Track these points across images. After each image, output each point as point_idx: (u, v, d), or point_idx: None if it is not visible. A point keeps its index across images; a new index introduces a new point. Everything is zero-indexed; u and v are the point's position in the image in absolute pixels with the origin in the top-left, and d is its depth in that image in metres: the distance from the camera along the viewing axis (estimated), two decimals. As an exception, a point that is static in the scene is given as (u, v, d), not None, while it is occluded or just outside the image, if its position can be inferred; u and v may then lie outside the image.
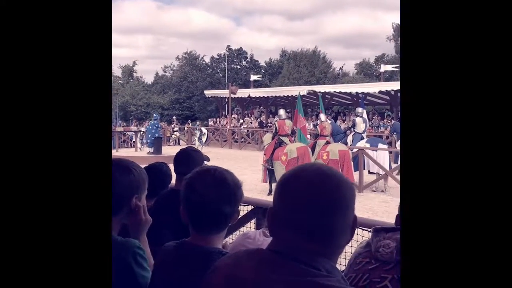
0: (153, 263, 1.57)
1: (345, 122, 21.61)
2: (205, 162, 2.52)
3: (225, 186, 1.38)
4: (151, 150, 17.84)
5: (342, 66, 48.67)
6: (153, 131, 18.68)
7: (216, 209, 1.36)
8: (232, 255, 1.15)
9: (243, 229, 3.84)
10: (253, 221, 3.98)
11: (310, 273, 0.96)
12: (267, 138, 11.75)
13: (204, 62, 49.06)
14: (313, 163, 1.18)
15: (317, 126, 12.11)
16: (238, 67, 49.28)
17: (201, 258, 1.35)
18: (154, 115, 21.07)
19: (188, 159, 2.46)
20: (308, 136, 14.45)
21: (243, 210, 4.12)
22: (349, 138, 14.08)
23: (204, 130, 24.34)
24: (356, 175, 10.84)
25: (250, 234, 2.31)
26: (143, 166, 2.95)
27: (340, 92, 23.16)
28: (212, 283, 1.09)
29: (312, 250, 0.99)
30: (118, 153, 17.58)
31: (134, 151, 20.53)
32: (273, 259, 1.01)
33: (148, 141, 18.75)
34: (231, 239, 3.67)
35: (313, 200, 0.99)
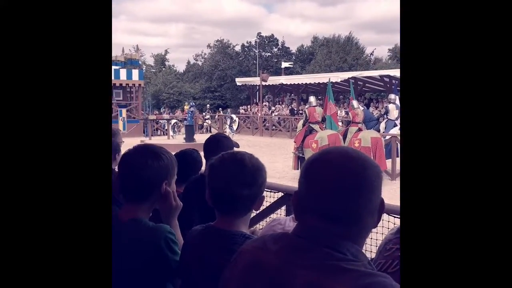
0: None
1: (378, 109, 21.23)
2: (235, 149, 2.52)
3: (242, 168, 1.38)
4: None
5: (373, 51, 47.80)
6: (188, 119, 19.06)
7: (233, 191, 1.37)
8: (258, 239, 1.15)
9: (274, 216, 3.84)
10: (284, 207, 3.97)
11: (335, 257, 0.94)
12: (300, 125, 11.69)
13: (235, 50, 49.06)
14: (338, 146, 1.15)
15: (349, 113, 11.97)
16: (269, 54, 49.03)
17: (224, 241, 1.36)
18: (191, 103, 21.42)
19: (217, 145, 2.46)
20: (340, 123, 14.30)
21: (274, 197, 4.13)
22: (382, 125, 13.86)
23: (234, 117, 24.46)
24: (388, 162, 10.68)
25: (280, 220, 2.30)
26: (174, 153, 2.99)
27: (372, 78, 22.76)
28: (236, 266, 1.10)
29: (337, 233, 0.97)
30: (151, 140, 17.86)
31: (166, 138, 20.83)
32: (297, 243, 1.00)
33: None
34: (261, 225, 3.68)
35: (337, 183, 0.97)
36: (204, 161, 2.60)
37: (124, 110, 22.04)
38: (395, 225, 1.54)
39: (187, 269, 1.45)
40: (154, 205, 1.64)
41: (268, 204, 3.97)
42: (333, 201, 0.97)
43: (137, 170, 1.57)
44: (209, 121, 26.66)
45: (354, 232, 0.99)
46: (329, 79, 13.36)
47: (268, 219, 3.73)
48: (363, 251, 1.02)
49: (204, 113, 28.00)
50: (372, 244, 2.85)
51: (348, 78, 21.45)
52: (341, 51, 41.47)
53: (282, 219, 2.03)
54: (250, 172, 1.39)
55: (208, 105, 31.79)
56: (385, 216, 2.61)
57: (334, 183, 0.97)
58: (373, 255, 1.58)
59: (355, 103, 11.66)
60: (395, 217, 2.55)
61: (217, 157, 1.46)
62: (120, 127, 20.19)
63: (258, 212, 3.75)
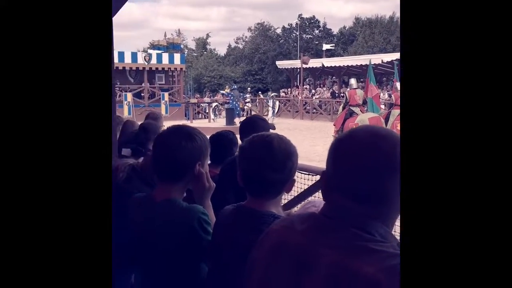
0: None
1: (423, 91, 20.54)
2: (271, 131, 2.50)
3: (271, 152, 1.36)
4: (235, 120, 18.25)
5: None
6: (230, 102, 19.21)
7: (262, 175, 1.36)
8: (285, 218, 1.14)
9: (311, 199, 3.81)
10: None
11: (362, 237, 0.91)
12: (341, 109, 11.54)
13: (276, 33, 48.70)
14: (368, 125, 1.12)
15: (392, 96, 11.69)
16: (310, 36, 48.41)
17: (254, 221, 1.36)
18: (233, 86, 21.54)
19: (253, 126, 2.46)
20: (382, 106, 14.00)
21: (312, 180, 4.10)
22: (426, 108, 13.45)
23: (276, 101, 24.47)
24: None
25: (315, 202, 2.28)
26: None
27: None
28: (263, 245, 1.09)
29: (365, 214, 0.94)
30: (192, 124, 18.13)
31: (207, 122, 21.08)
32: (324, 223, 0.98)
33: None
34: (298, 208, 3.67)
35: (366, 161, 0.93)
36: (240, 143, 2.60)
37: (166, 94, 22.40)
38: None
39: (217, 249, 1.47)
40: (187, 185, 1.65)
41: (306, 187, 3.95)
42: (362, 180, 0.94)
43: (171, 150, 1.58)
44: (249, 105, 26.75)
45: (383, 213, 0.95)
46: (370, 60, 13.04)
47: (305, 202, 3.71)
48: (393, 233, 0.98)
49: (244, 96, 28.10)
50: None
51: (392, 60, 20.88)
52: (385, 31, 40.40)
53: (317, 202, 2.01)
54: (279, 157, 1.37)
55: (249, 88, 31.86)
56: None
57: (363, 161, 0.94)
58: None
59: (398, 85, 11.37)
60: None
61: (248, 139, 1.46)
62: (163, 110, 20.56)
63: (295, 195, 3.75)
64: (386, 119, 10.59)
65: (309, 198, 3.78)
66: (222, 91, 23.19)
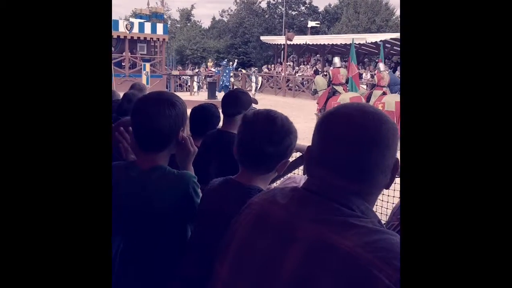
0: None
1: (405, 73, 20.67)
2: (253, 105, 2.49)
3: (272, 126, 1.38)
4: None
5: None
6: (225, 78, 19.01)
7: (259, 147, 1.37)
8: (267, 192, 1.14)
9: (291, 175, 3.84)
10: (301, 167, 3.97)
11: (343, 212, 0.92)
12: (319, 80, 11.53)
13: (261, 7, 48.07)
14: (355, 102, 1.13)
15: (375, 76, 11.74)
16: (296, 12, 47.94)
17: (240, 194, 1.36)
18: (224, 61, 21.34)
19: (235, 100, 2.44)
20: (364, 86, 14.06)
21: (292, 156, 4.11)
22: (407, 90, 13.56)
23: (258, 77, 24.34)
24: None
25: (295, 178, 2.30)
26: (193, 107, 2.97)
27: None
28: (244, 217, 1.10)
29: (346, 188, 0.95)
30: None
31: (189, 95, 20.88)
32: (306, 197, 0.99)
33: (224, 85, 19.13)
34: (278, 184, 3.70)
35: (349, 136, 0.94)
36: (222, 116, 2.59)
37: (147, 65, 22.05)
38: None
39: (202, 217, 1.49)
40: (171, 151, 1.65)
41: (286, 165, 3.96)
42: (345, 155, 0.94)
43: (154, 120, 1.55)
44: (232, 79, 26.55)
45: (365, 189, 0.96)
46: (352, 39, 13.02)
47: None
48: (378, 213, 1.00)
49: (234, 65, 27.83)
50: (389, 208, 2.84)
51: (377, 41, 20.89)
52: (370, 11, 40.21)
53: (298, 177, 2.02)
54: (279, 131, 1.39)
55: (236, 60, 31.55)
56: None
57: (346, 136, 0.94)
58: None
59: (381, 65, 11.42)
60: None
61: (252, 111, 1.48)
62: (144, 81, 20.24)
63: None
64: (368, 99, 10.66)
65: (289, 174, 3.81)
66: (223, 63, 22.98)
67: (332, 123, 0.99)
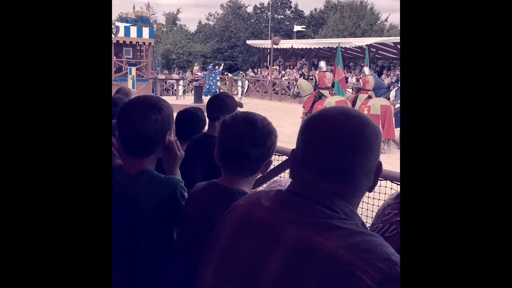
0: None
1: (390, 76, 20.94)
2: (238, 109, 2.49)
3: (253, 128, 1.38)
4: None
5: (387, 17, 46.74)
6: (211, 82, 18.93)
7: (242, 150, 1.37)
8: (252, 195, 1.14)
9: (277, 178, 3.84)
10: (287, 171, 3.97)
11: (326, 214, 0.93)
12: (303, 84, 11.56)
13: (246, 12, 48.19)
14: (339, 106, 1.15)
15: (360, 80, 11.84)
16: (282, 17, 48.16)
17: (224, 198, 1.36)
18: (210, 65, 21.27)
19: (220, 104, 2.44)
20: (350, 90, 14.15)
21: (278, 160, 4.13)
22: (392, 93, 13.72)
23: (245, 81, 24.37)
24: (397, 131, 10.62)
25: (280, 182, 2.30)
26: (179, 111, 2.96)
27: (386, 45, 22.33)
28: (229, 220, 1.10)
29: (330, 191, 0.96)
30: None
31: (175, 99, 20.81)
32: (290, 199, 0.99)
33: (212, 91, 19.05)
34: (264, 188, 3.70)
35: (333, 138, 0.95)
36: (207, 120, 2.59)
37: (133, 69, 21.91)
38: (395, 191, 1.53)
39: (186, 221, 1.49)
40: (158, 156, 1.64)
41: (272, 167, 3.97)
42: (329, 157, 0.95)
43: (140, 126, 1.54)
44: (219, 83, 26.57)
45: (348, 191, 0.97)
46: (339, 44, 13.11)
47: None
48: (364, 216, 1.01)
49: (219, 69, 27.83)
50: (371, 209, 2.86)
51: (363, 45, 21.06)
52: (355, 16, 40.57)
53: (283, 181, 2.03)
54: (260, 133, 1.38)
55: (222, 64, 31.54)
56: (387, 183, 2.61)
57: (330, 138, 0.95)
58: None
59: (366, 70, 11.51)
60: (398, 184, 2.54)
61: (230, 115, 1.47)
62: (130, 85, 20.11)
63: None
64: (353, 103, 10.73)
65: (275, 178, 3.81)
66: (209, 67, 22.99)
67: (316, 126, 0.99)
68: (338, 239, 0.87)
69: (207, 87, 19.47)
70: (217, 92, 18.94)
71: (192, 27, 53.78)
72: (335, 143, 0.95)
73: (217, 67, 23.29)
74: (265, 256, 0.95)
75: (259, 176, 1.56)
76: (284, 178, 2.52)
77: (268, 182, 2.37)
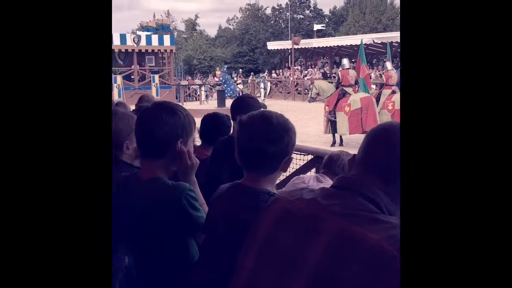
0: (204, 203, 1.61)
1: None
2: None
3: (269, 125, 1.37)
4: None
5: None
6: (225, 86, 19.07)
7: (259, 148, 1.36)
8: (294, 189, 1.17)
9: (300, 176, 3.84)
10: (313, 170, 3.97)
11: (369, 208, 0.98)
12: (323, 84, 11.47)
13: (265, 14, 48.23)
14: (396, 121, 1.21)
15: (383, 75, 11.69)
16: (301, 16, 48.02)
17: (249, 198, 1.37)
18: (223, 68, 21.41)
19: (244, 105, 2.45)
20: (373, 86, 14.00)
21: (304, 159, 4.12)
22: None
23: (267, 83, 24.40)
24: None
25: (304, 178, 2.30)
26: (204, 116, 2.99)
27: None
28: (268, 211, 1.14)
29: (379, 186, 1.01)
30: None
31: (199, 104, 20.98)
32: (334, 192, 1.05)
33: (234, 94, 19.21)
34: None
35: (391, 147, 1.01)
36: (232, 123, 2.61)
37: (156, 76, 22.21)
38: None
39: (212, 225, 1.48)
40: (171, 163, 1.62)
41: (298, 167, 3.98)
42: (383, 157, 1.02)
43: (151, 125, 1.55)
44: (241, 86, 26.65)
45: (394, 191, 0.99)
46: (361, 40, 12.97)
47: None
48: None
49: (235, 78, 27.95)
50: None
51: (385, 42, 20.80)
52: (375, 11, 40.12)
53: (306, 177, 2.03)
54: (276, 129, 1.38)
55: (240, 69, 31.69)
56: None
57: (389, 147, 1.01)
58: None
59: (389, 65, 11.36)
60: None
61: (246, 115, 1.46)
62: (153, 93, 20.39)
63: (287, 174, 3.78)
64: (377, 99, 10.61)
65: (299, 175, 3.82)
66: (223, 70, 23.26)
67: (380, 136, 1.07)
68: (380, 231, 0.91)
69: (225, 91, 19.63)
70: (239, 95, 19.14)
71: (212, 32, 54.21)
72: (392, 151, 1.00)
73: (229, 75, 23.47)
74: (306, 246, 0.99)
75: (282, 176, 1.56)
76: (307, 175, 2.51)
77: (291, 180, 2.36)
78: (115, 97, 18.56)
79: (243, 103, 2.49)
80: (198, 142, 2.91)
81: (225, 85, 19.55)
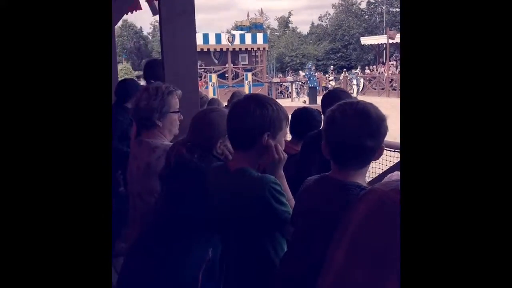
0: (291, 198, 1.59)
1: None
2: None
3: (366, 118, 1.32)
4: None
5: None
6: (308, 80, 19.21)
7: (356, 142, 1.32)
8: (386, 182, 1.16)
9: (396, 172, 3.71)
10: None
11: None
12: None
13: (359, 8, 47.09)
14: None
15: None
16: (397, 9, 46.18)
17: (338, 191, 1.34)
18: (308, 64, 21.43)
19: (335, 99, 2.42)
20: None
21: (397, 156, 3.97)
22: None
23: (360, 79, 23.87)
24: None
25: (397, 174, 2.22)
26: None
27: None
28: (361, 204, 1.14)
29: None
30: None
31: (290, 101, 21.09)
32: None
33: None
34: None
35: None
36: (323, 117, 2.59)
37: (249, 74, 22.70)
38: None
39: (300, 218, 1.47)
40: (259, 156, 1.61)
41: (392, 164, 3.84)
42: None
43: (239, 116, 1.57)
44: (333, 83, 26.28)
45: None
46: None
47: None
48: None
49: (327, 75, 27.65)
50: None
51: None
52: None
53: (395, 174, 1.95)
54: (375, 122, 1.33)
55: (332, 66, 31.30)
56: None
57: None
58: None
59: None
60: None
61: (336, 108, 1.38)
62: (246, 90, 20.84)
63: (381, 172, 3.67)
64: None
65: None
66: (308, 65, 23.48)
67: None
68: None
69: (309, 81, 19.79)
70: (317, 90, 19.08)
71: (304, 29, 54.07)
72: None
73: (309, 64, 23.46)
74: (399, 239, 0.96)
75: (375, 175, 1.52)
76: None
77: (387, 176, 2.30)
78: (210, 94, 19.27)
79: (335, 97, 2.46)
80: (288, 137, 2.93)
81: (309, 78, 19.72)
